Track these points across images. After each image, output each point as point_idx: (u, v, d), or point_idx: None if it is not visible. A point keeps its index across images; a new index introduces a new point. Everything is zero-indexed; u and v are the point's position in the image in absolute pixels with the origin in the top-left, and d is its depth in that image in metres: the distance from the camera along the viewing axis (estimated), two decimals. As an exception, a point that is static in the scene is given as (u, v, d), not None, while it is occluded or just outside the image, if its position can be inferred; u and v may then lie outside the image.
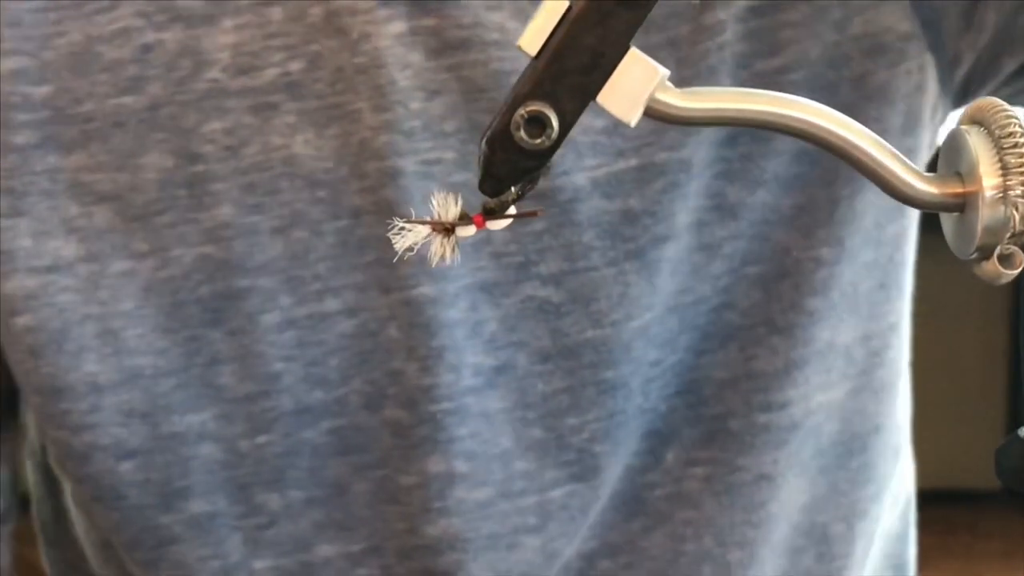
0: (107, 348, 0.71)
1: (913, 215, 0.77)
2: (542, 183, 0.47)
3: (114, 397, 0.71)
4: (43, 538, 0.84)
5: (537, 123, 0.45)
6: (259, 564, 0.73)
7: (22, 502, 0.82)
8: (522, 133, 0.45)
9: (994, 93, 0.75)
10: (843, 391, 0.77)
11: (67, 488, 0.78)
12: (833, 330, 0.75)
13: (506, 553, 0.73)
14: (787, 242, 0.74)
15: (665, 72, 0.46)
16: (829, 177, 0.73)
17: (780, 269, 0.74)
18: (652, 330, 0.73)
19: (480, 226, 0.47)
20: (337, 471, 0.73)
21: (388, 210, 0.69)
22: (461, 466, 0.73)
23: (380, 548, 0.74)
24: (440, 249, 0.48)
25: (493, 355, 0.72)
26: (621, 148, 0.71)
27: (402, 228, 0.48)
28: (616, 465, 0.74)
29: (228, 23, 0.70)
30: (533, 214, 0.49)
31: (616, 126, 0.67)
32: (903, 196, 0.47)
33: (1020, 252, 0.46)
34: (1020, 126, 0.46)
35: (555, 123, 0.45)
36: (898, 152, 0.47)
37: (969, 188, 0.47)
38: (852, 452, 0.78)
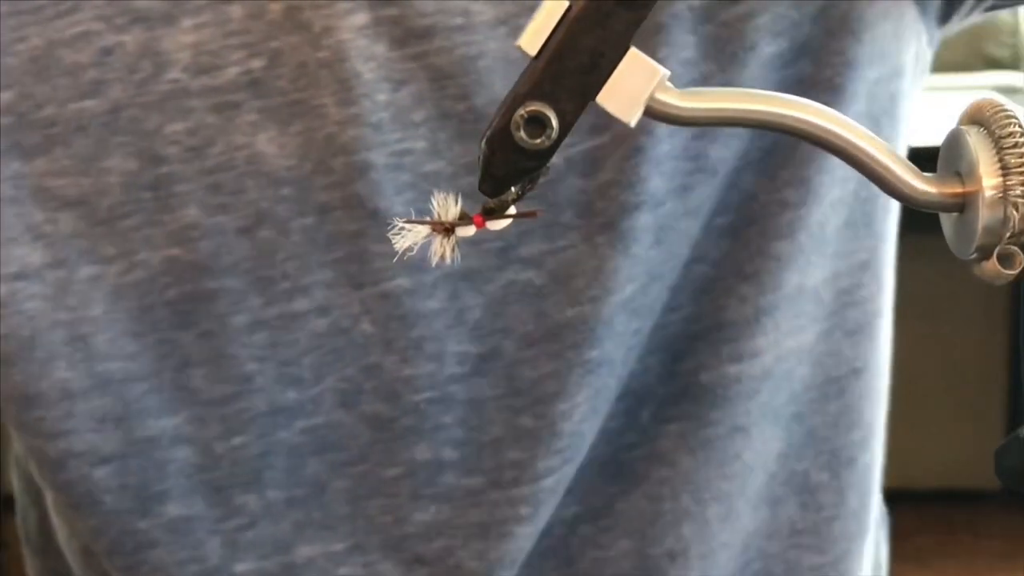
0: (77, 354, 0.70)
1: None
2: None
3: (86, 403, 0.71)
4: (28, 547, 0.84)
5: (537, 123, 0.45)
6: (240, 567, 0.73)
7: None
8: (522, 133, 0.45)
9: (976, 6, 0.74)
10: (813, 334, 0.76)
11: (48, 497, 0.78)
12: (801, 273, 0.74)
13: (496, 542, 0.73)
14: (754, 187, 0.73)
15: (665, 72, 0.46)
16: None
17: (748, 216, 0.73)
18: (636, 302, 0.72)
19: (480, 226, 0.47)
20: (315, 470, 0.73)
21: (358, 205, 0.69)
22: (449, 453, 0.73)
23: (362, 545, 0.74)
24: (440, 249, 0.48)
25: (479, 342, 0.72)
26: (595, 124, 0.70)
27: (402, 228, 0.47)
28: (595, 433, 0.74)
29: (187, 23, 0.69)
30: (532, 214, 0.49)
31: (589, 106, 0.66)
32: (903, 196, 0.47)
33: (1020, 252, 0.46)
34: (1020, 126, 0.46)
35: (555, 123, 0.45)
36: (898, 153, 0.47)
37: (969, 188, 0.47)
38: (828, 396, 0.77)
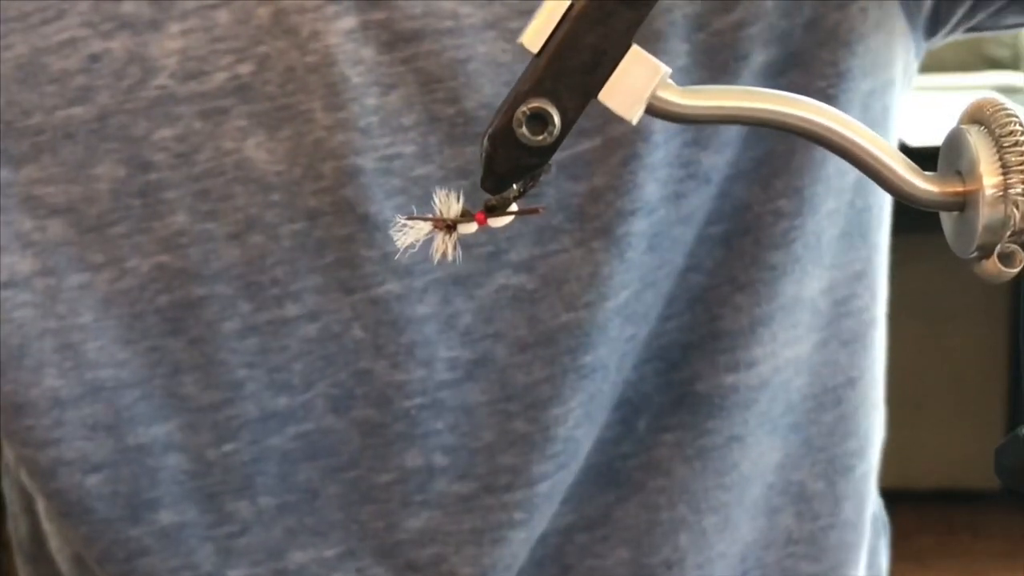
0: (67, 362, 0.70)
1: None
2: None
3: (77, 411, 0.70)
4: (20, 555, 0.83)
5: (539, 120, 0.45)
6: (233, 573, 0.73)
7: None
8: (524, 130, 0.45)
9: (967, 17, 0.74)
10: (810, 344, 0.76)
11: (40, 504, 0.78)
12: (798, 284, 0.74)
13: (490, 548, 0.73)
14: (747, 197, 0.73)
15: (667, 70, 0.46)
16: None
17: (742, 225, 0.73)
18: (630, 308, 0.72)
19: (482, 223, 0.47)
20: (307, 476, 0.72)
21: (347, 210, 0.69)
22: (440, 459, 0.72)
23: (355, 551, 0.73)
24: (442, 246, 0.48)
25: (470, 348, 0.71)
26: (584, 128, 0.69)
27: (404, 226, 0.47)
28: (591, 441, 0.74)
29: (174, 28, 0.69)
30: (535, 211, 0.49)
31: None
32: (903, 194, 0.47)
33: (1020, 251, 0.46)
34: (1020, 125, 0.46)
35: (557, 120, 0.45)
36: (898, 152, 0.47)
37: (969, 187, 0.47)
38: (824, 406, 0.77)
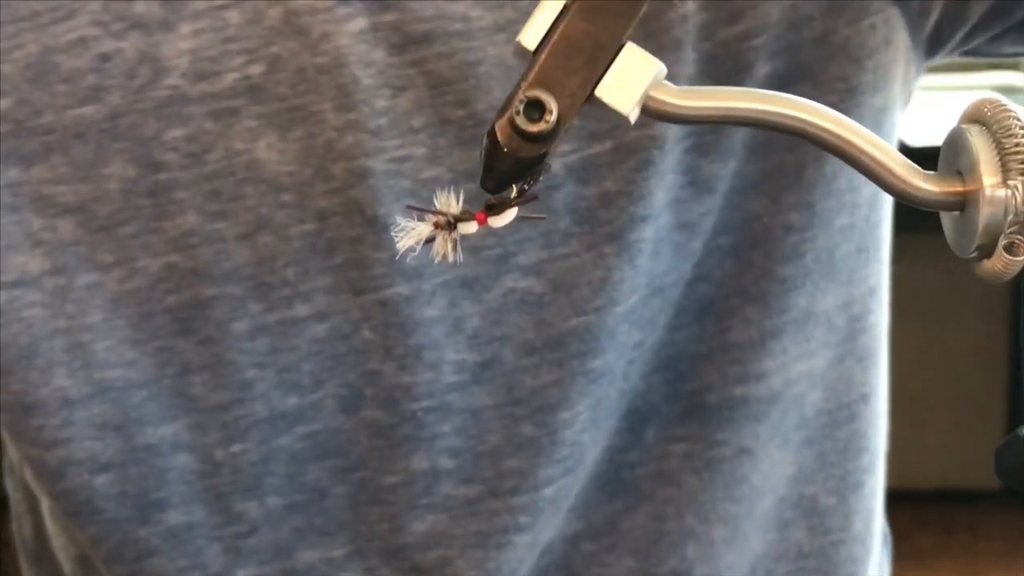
0: (77, 362, 0.70)
1: None
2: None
3: (86, 411, 0.70)
4: (24, 555, 0.83)
5: (536, 107, 0.45)
6: (241, 573, 0.73)
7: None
8: (522, 116, 0.45)
9: (966, 40, 0.74)
10: (826, 359, 0.76)
11: (44, 504, 0.78)
12: (809, 297, 0.74)
13: (495, 552, 0.73)
14: (756, 209, 0.73)
15: (662, 67, 0.46)
16: (794, 142, 0.72)
17: (751, 237, 0.73)
18: (637, 313, 0.72)
19: (483, 223, 0.47)
20: (315, 476, 0.72)
21: (357, 211, 0.69)
22: (446, 462, 0.72)
23: (363, 551, 0.73)
24: (442, 247, 0.48)
25: (477, 351, 0.71)
26: (594, 131, 0.70)
27: (404, 227, 0.48)
28: (597, 447, 0.74)
29: (186, 29, 0.69)
30: (540, 217, 0.49)
31: (588, 110, 0.66)
32: (903, 195, 0.47)
33: (1022, 239, 0.46)
34: (1020, 125, 0.46)
35: (554, 107, 0.45)
36: (897, 152, 0.47)
37: (969, 187, 0.47)
38: (839, 422, 0.77)
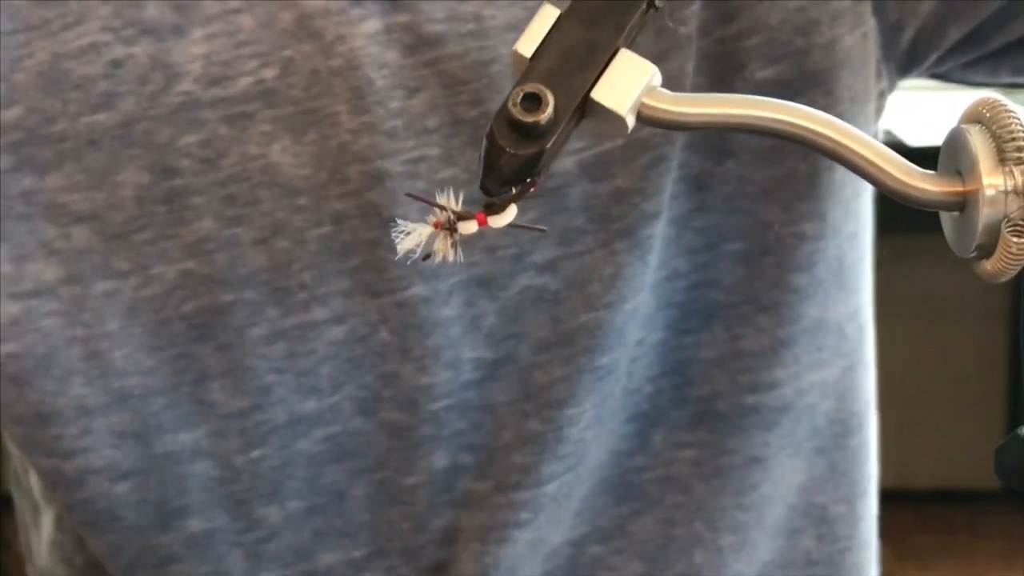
0: (94, 370, 0.70)
1: None
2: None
3: (104, 419, 0.70)
4: (31, 565, 0.83)
5: (533, 99, 0.46)
6: None
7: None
8: (518, 108, 0.45)
9: (939, 63, 0.74)
10: (838, 369, 0.76)
11: (47, 516, 0.78)
12: (821, 307, 0.75)
13: (494, 547, 0.73)
14: (767, 217, 0.73)
15: (656, 71, 0.47)
16: (806, 150, 0.72)
17: (762, 245, 0.73)
18: (637, 310, 0.72)
19: (483, 223, 0.47)
20: (335, 478, 0.72)
21: (373, 213, 0.69)
22: (465, 458, 0.72)
23: (384, 551, 0.73)
24: (443, 247, 0.48)
25: (493, 348, 0.71)
26: None
27: (404, 229, 0.48)
28: (601, 449, 0.74)
29: (198, 33, 0.69)
30: (540, 229, 0.49)
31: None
32: (903, 195, 0.47)
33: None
34: (1020, 124, 0.46)
35: (550, 99, 0.46)
36: (894, 153, 0.47)
37: (969, 186, 0.47)
38: (850, 431, 0.77)
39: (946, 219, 0.49)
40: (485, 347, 0.71)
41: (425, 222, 0.48)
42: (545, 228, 0.69)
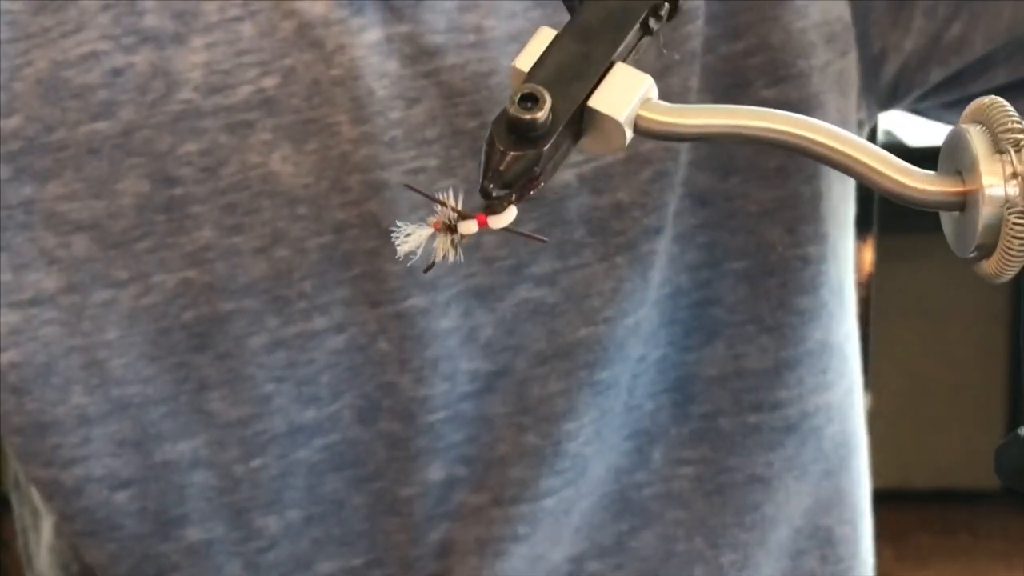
0: (94, 379, 0.70)
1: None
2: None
3: (104, 428, 0.70)
4: (30, 570, 0.83)
5: (530, 98, 0.46)
6: None
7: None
8: (516, 106, 0.46)
9: (920, 101, 0.74)
10: (841, 391, 0.76)
11: (47, 521, 0.77)
12: (825, 329, 0.75)
13: (491, 560, 0.73)
14: (771, 238, 0.73)
15: (652, 82, 0.48)
16: (811, 170, 0.72)
17: (765, 265, 0.73)
18: (640, 326, 0.72)
19: (483, 223, 0.47)
20: (334, 487, 0.72)
21: (373, 223, 0.68)
22: (460, 470, 0.72)
23: (382, 560, 0.73)
24: (443, 247, 0.48)
25: (490, 360, 0.71)
26: None
27: (405, 230, 0.48)
28: (601, 464, 0.74)
29: (198, 42, 0.68)
30: (541, 239, 0.50)
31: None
32: (903, 196, 0.47)
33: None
34: (1020, 124, 0.46)
35: (547, 97, 0.46)
36: (891, 155, 0.47)
37: (969, 186, 0.47)
38: (853, 451, 0.78)
39: (946, 219, 0.49)
40: (482, 359, 0.71)
41: (425, 223, 0.48)
42: (545, 239, 0.69)
